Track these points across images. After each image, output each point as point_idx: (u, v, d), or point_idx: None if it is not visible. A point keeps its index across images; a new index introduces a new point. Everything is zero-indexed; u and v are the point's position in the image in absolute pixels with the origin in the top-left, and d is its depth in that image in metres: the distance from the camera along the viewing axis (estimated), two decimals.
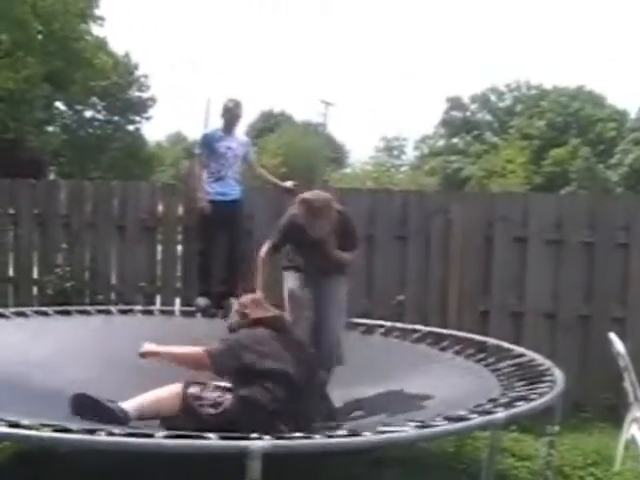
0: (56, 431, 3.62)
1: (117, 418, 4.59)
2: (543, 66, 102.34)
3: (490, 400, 4.74)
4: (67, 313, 7.27)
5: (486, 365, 5.96)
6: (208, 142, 7.82)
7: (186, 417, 4.69)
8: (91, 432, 3.64)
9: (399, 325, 7.19)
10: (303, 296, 5.96)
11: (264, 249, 5.94)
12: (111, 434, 3.61)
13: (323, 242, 5.73)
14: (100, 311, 7.48)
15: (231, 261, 7.75)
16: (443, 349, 6.52)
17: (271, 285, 6.01)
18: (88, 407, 4.68)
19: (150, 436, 3.56)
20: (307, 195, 5.70)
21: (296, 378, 4.82)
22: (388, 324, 7.17)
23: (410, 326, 7.16)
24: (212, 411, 4.68)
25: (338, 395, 5.62)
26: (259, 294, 5.58)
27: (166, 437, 3.54)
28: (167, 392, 4.82)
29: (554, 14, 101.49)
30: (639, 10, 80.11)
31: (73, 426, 3.77)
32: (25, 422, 3.76)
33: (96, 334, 6.68)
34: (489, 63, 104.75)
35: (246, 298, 5.40)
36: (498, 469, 4.62)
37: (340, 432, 3.85)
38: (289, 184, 8.07)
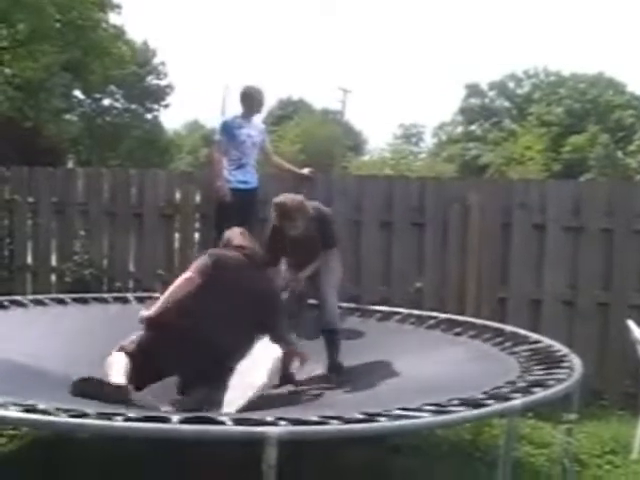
0: (72, 417, 3.63)
1: (118, 393, 4.69)
2: (561, 53, 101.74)
3: (508, 383, 4.72)
4: (84, 301, 7.28)
5: (503, 349, 5.94)
6: (228, 129, 7.76)
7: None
8: (108, 417, 3.65)
9: (416, 312, 7.18)
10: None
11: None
12: (128, 419, 3.61)
13: (301, 239, 6.01)
14: (117, 299, 7.48)
15: None
16: (459, 334, 6.51)
17: None
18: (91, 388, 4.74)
19: (167, 421, 3.57)
20: (278, 199, 6.04)
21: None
22: (405, 311, 7.16)
23: (427, 313, 7.15)
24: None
25: (354, 379, 5.67)
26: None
27: (183, 422, 3.54)
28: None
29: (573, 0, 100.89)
30: None
31: (90, 410, 3.79)
32: (41, 406, 3.78)
33: (112, 322, 6.70)
34: (507, 50, 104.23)
35: (234, 230, 6.00)
36: (515, 457, 4.61)
37: (356, 418, 3.82)
38: (306, 171, 8.08)
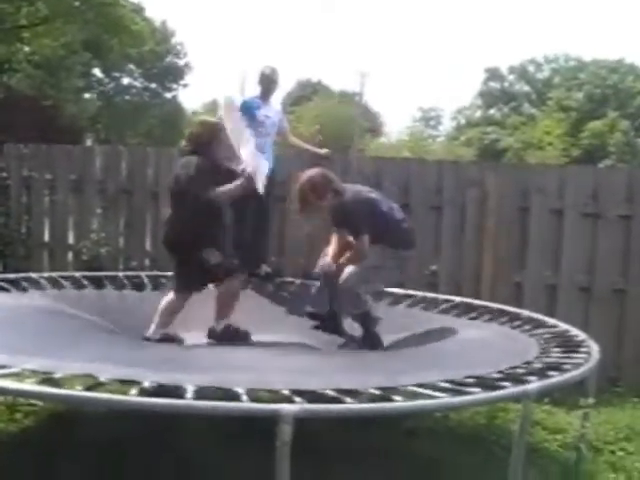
0: (87, 389, 3.65)
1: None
2: (582, 38, 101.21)
3: (525, 363, 4.71)
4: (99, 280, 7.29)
5: (522, 332, 5.93)
6: (247, 109, 7.71)
7: None
8: (122, 383, 3.67)
9: (431, 295, 7.17)
10: None
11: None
12: (143, 391, 3.62)
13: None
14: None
15: (262, 230, 7.73)
16: (475, 318, 6.50)
17: None
18: None
19: (180, 397, 3.58)
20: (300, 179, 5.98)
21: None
22: (419, 294, 7.15)
23: (443, 296, 7.14)
24: None
25: (369, 356, 5.69)
26: None
27: (196, 398, 3.55)
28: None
29: None
30: None
31: (103, 377, 3.82)
32: (58, 375, 3.81)
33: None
34: (528, 34, 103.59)
35: None
36: (529, 442, 4.60)
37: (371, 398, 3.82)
38: (324, 152, 8.07)
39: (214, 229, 5.99)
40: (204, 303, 6.02)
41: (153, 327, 5.94)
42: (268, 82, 7.83)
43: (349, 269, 5.92)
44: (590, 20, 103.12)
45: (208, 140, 6.04)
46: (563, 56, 65.63)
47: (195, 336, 6.06)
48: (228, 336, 5.94)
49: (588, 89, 58.38)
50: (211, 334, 5.99)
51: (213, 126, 6.23)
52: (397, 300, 7.05)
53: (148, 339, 5.85)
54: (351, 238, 6.08)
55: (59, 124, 25.27)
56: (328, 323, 6.14)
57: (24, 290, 6.65)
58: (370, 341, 5.95)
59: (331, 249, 6.20)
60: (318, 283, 6.14)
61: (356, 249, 5.94)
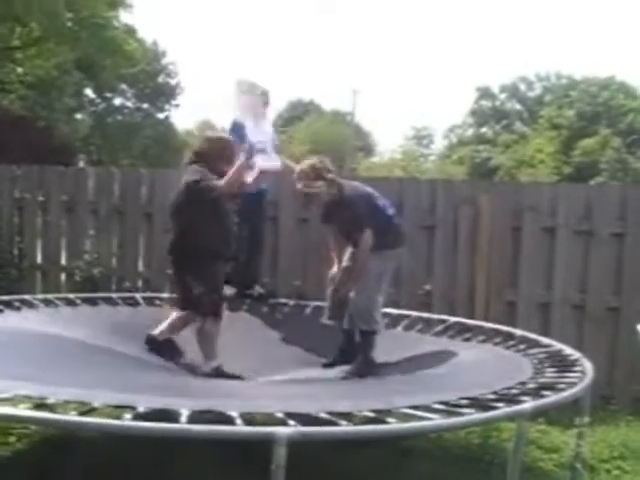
0: (81, 414, 3.64)
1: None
2: (573, 56, 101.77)
3: (519, 383, 4.72)
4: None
5: (515, 352, 5.94)
6: (238, 130, 7.76)
7: None
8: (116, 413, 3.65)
9: (425, 315, 7.17)
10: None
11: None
12: (137, 416, 3.61)
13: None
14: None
15: (254, 250, 7.72)
16: (469, 339, 6.50)
17: None
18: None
19: (175, 421, 3.57)
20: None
21: None
22: (414, 314, 7.15)
23: (437, 316, 7.14)
24: None
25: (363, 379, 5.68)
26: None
27: (192, 422, 3.54)
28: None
29: (586, 3, 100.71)
30: None
31: (96, 403, 3.80)
32: (51, 400, 3.80)
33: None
34: (519, 53, 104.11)
35: None
36: (524, 461, 4.60)
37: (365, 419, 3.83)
38: None
39: (217, 236, 5.98)
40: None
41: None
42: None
43: (359, 287, 5.98)
44: (581, 38, 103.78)
45: (213, 153, 6.08)
46: (554, 74, 65.97)
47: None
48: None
49: (579, 107, 58.58)
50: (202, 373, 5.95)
51: (218, 141, 6.26)
52: (392, 322, 7.02)
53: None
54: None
55: (52, 145, 25.29)
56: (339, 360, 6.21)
57: (18, 310, 6.65)
58: (365, 365, 5.95)
59: (335, 268, 6.29)
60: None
61: (361, 245, 5.96)
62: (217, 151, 6.10)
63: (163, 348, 6.01)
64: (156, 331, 6.04)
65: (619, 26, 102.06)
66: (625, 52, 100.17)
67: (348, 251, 6.25)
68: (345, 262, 6.24)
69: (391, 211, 6.24)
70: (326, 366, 6.23)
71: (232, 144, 6.28)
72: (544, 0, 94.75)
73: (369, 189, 6.22)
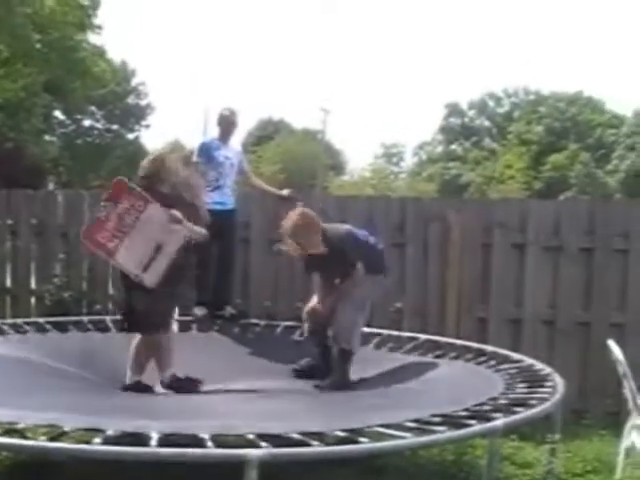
0: (51, 439, 3.61)
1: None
2: (541, 72, 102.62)
3: (490, 399, 4.73)
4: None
5: (486, 368, 5.98)
6: (206, 151, 7.77)
7: None
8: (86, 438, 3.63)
9: (395, 333, 7.19)
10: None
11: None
12: (107, 441, 3.58)
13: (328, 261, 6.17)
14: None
15: (225, 270, 7.70)
16: (441, 355, 6.52)
17: None
18: None
19: (146, 445, 3.54)
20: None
21: None
22: (385, 332, 7.15)
23: (407, 334, 7.16)
24: None
25: (335, 397, 5.68)
26: None
27: (162, 446, 3.52)
28: None
29: (552, 19, 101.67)
30: (638, 15, 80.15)
31: (67, 427, 3.77)
32: (21, 425, 3.77)
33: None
34: (487, 69, 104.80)
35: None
36: (498, 477, 4.61)
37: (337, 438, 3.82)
38: (285, 192, 8.05)
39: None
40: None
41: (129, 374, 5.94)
42: (227, 124, 7.90)
43: (344, 307, 6.11)
44: (548, 53, 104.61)
45: (157, 174, 6.09)
46: (522, 89, 66.51)
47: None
48: (178, 386, 5.81)
49: (548, 122, 59.12)
50: (163, 385, 5.91)
51: (160, 159, 6.23)
52: (364, 340, 7.02)
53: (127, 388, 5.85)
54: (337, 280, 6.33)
55: (21, 166, 25.16)
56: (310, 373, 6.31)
57: None
58: (341, 381, 6.00)
59: (316, 298, 6.39)
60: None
61: (353, 277, 6.13)
62: (160, 171, 6.12)
63: (138, 390, 5.90)
64: (127, 379, 5.93)
65: (585, 41, 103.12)
66: (592, 67, 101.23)
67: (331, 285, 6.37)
68: (328, 296, 6.30)
69: (372, 240, 6.40)
70: (297, 372, 6.36)
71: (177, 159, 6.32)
72: (510, 16, 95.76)
73: (346, 225, 6.40)
